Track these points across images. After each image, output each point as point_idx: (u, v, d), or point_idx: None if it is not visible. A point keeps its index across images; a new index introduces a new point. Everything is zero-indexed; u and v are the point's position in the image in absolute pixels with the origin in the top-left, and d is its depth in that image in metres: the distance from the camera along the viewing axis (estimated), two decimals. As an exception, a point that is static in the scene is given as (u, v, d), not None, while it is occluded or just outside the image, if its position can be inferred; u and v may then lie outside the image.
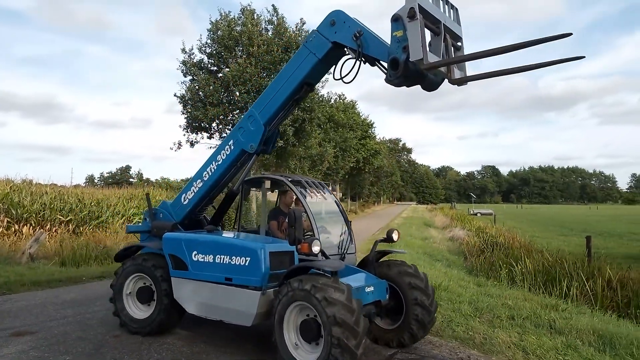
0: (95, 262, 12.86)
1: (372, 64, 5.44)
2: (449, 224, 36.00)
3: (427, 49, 4.75)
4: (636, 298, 9.30)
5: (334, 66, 5.84)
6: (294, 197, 6.83)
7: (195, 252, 5.95)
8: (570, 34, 4.02)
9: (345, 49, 5.53)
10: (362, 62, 5.45)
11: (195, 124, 22.12)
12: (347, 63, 5.60)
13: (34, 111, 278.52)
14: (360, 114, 45.30)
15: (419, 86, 5.23)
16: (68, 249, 13.34)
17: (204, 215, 7.46)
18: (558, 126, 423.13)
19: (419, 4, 4.66)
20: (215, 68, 22.22)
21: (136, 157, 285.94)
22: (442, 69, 5.03)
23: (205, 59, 22.13)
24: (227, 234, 6.48)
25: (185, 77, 21.98)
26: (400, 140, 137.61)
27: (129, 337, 6.24)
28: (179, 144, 23.08)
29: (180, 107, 22.21)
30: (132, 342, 6.07)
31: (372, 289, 5.61)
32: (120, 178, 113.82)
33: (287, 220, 5.79)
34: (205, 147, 28.78)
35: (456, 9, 5.36)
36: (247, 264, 5.41)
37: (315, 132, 26.44)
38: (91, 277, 10.79)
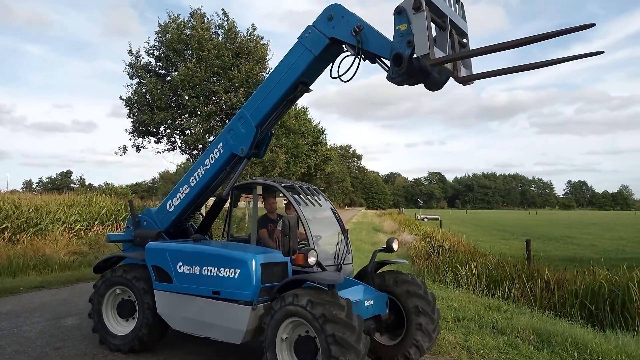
0: (34, 271, 12.22)
1: (373, 61, 5.08)
2: (397, 228, 36.67)
3: (433, 43, 4.37)
4: (571, 298, 9.80)
5: (331, 64, 5.46)
6: (279, 203, 6.47)
7: (180, 264, 5.54)
8: (594, 24, 3.70)
9: (344, 46, 5.21)
10: (362, 58, 5.08)
11: (142, 128, 21.60)
12: (345, 60, 5.21)
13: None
14: (312, 121, 45.54)
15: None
16: (3, 258, 12.59)
17: (191, 223, 7.08)
18: (500, 135, 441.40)
19: None
20: (163, 71, 21.81)
21: (78, 162, 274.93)
22: (448, 66, 4.68)
23: (153, 61, 21.69)
24: (215, 244, 6.11)
25: (132, 79, 21.46)
26: (351, 147, 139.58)
27: (71, 349, 5.98)
28: (125, 148, 22.47)
29: (126, 110, 21.67)
30: (75, 353, 5.82)
31: (371, 302, 5.24)
32: (61, 183, 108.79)
33: (278, 227, 5.48)
34: (152, 152, 28.11)
35: (461, 3, 5.07)
36: (236, 276, 5.02)
37: (266, 137, 26.36)
38: (29, 287, 10.22)
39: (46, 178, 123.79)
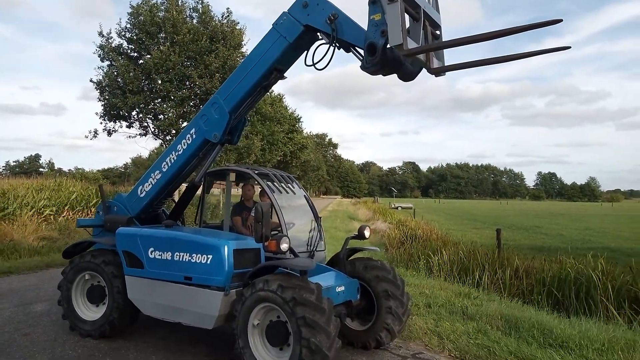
0: (1, 257, 11.89)
1: (347, 50, 5.06)
2: (371, 217, 36.96)
3: (407, 34, 4.39)
4: (539, 285, 10.06)
5: (306, 51, 5.41)
6: (256, 190, 6.48)
7: (151, 249, 5.51)
8: (561, 20, 3.77)
9: (319, 34, 5.16)
10: (336, 47, 5.07)
11: (113, 112, 21.14)
12: (320, 48, 5.17)
13: None
14: (288, 108, 45.33)
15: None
16: (-32, 243, 12.25)
17: (163, 209, 7.00)
18: (473, 126, 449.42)
19: None
20: (135, 54, 21.32)
21: (47, 146, 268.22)
22: (421, 57, 4.71)
23: (125, 44, 21.17)
24: (188, 230, 6.10)
25: (103, 62, 20.94)
26: (327, 136, 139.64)
27: (40, 335, 5.88)
28: (95, 132, 22.03)
29: (97, 93, 21.13)
30: (44, 339, 5.73)
31: (342, 288, 5.33)
32: (29, 167, 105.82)
33: (252, 215, 5.48)
34: (123, 137, 27.59)
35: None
36: (208, 262, 5.03)
37: (241, 124, 26.13)
38: (-4, 273, 9.99)
39: (13, 162, 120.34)
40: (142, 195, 6.38)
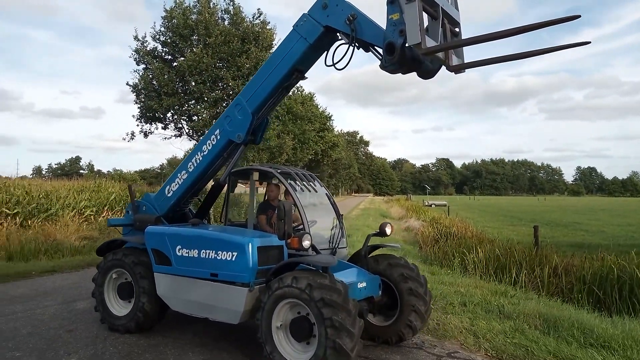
0: (45, 256, 12.39)
1: (367, 50, 5.11)
2: (404, 214, 36.68)
3: (425, 33, 4.43)
4: (579, 284, 9.80)
5: (326, 52, 5.47)
6: (281, 189, 6.65)
7: (179, 247, 5.68)
8: (579, 16, 3.76)
9: (338, 34, 5.21)
10: (355, 47, 5.11)
11: (149, 114, 21.63)
12: (340, 48, 5.23)
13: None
14: (319, 107, 45.44)
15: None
16: (15, 243, 12.78)
17: (189, 208, 7.17)
18: (508, 121, 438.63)
19: None
20: (169, 57, 21.75)
21: (86, 148, 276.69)
22: (440, 55, 4.72)
23: (160, 47, 21.63)
24: (214, 228, 6.26)
25: (138, 65, 21.45)
26: (358, 133, 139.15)
27: (83, 332, 6.09)
28: (132, 134, 22.57)
29: (133, 96, 21.68)
30: (87, 336, 5.93)
31: (364, 284, 5.40)
32: (70, 169, 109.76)
33: (276, 213, 5.59)
34: (159, 138, 28.21)
35: None
36: (234, 259, 5.16)
37: (273, 123, 26.35)
38: (41, 271, 10.39)
39: (55, 164, 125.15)
40: (169, 195, 6.56)
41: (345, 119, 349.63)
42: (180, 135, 23.04)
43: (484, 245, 13.45)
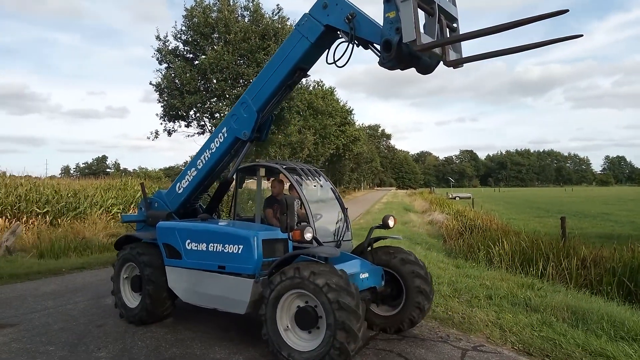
0: (75, 253, 12.71)
1: (366, 47, 5.21)
2: (428, 208, 36.43)
3: (421, 29, 4.57)
4: (608, 275, 9.59)
5: (327, 50, 5.59)
6: (286, 184, 6.86)
7: (188, 241, 5.94)
8: (567, 10, 3.81)
9: (339, 32, 5.32)
10: (355, 45, 5.23)
11: (172, 113, 21.88)
12: (341, 46, 5.36)
13: (5, 101, 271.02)
14: (339, 101, 45.33)
15: (410, 70, 5.02)
16: (46, 241, 13.16)
17: (200, 203, 7.37)
18: (534, 110, 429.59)
19: None
20: (191, 55, 21.94)
21: (113, 147, 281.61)
22: (437, 50, 4.84)
23: (181, 46, 21.83)
24: (221, 222, 6.47)
25: (161, 64, 21.67)
26: (380, 127, 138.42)
27: (112, 327, 6.24)
28: (156, 132, 22.86)
29: (156, 95, 21.94)
30: (116, 331, 6.08)
31: (366, 275, 5.60)
32: (97, 168, 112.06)
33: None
34: (183, 136, 28.61)
35: None
36: (240, 252, 5.38)
37: (294, 119, 26.39)
38: (71, 268, 10.67)
39: (83, 163, 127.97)
40: (180, 192, 6.78)
41: (366, 112, 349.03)
42: (203, 133, 23.25)
43: (509, 238, 13.27)
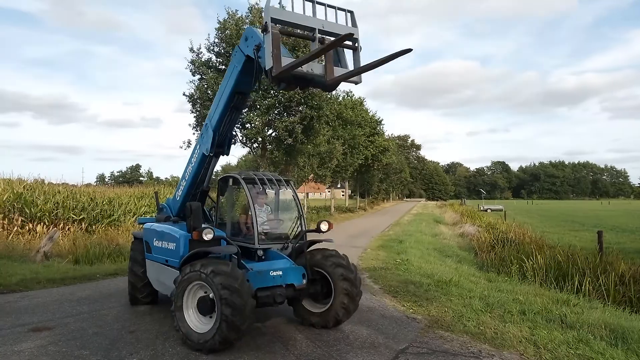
0: (109, 259, 13.02)
1: (266, 74, 5.67)
2: (458, 220, 35.88)
3: (280, 57, 5.26)
4: (649, 293, 9.24)
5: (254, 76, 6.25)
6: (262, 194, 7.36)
7: (154, 239, 7.26)
8: (410, 49, 4.39)
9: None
10: (262, 71, 5.82)
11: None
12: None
13: (45, 111, 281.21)
14: (369, 111, 45.16)
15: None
16: (81, 247, 13.53)
17: (204, 208, 7.89)
18: (569, 121, 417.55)
19: (276, 18, 5.34)
20: (223, 67, 22.29)
21: (146, 156, 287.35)
22: (318, 71, 5.49)
23: (214, 58, 22.21)
24: (170, 224, 7.41)
25: (194, 76, 22.10)
26: (409, 137, 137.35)
27: (144, 332, 6.34)
28: (189, 142, 23.22)
29: (189, 106, 22.36)
30: (148, 337, 6.17)
31: (279, 273, 6.23)
32: (131, 177, 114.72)
33: (249, 213, 6.62)
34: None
35: (351, 12, 5.85)
36: (174, 249, 6.63)
37: (323, 129, 26.43)
38: (105, 274, 10.93)
39: (117, 172, 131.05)
40: (177, 199, 7.83)
41: (396, 122, 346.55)
42: (234, 143, 23.60)
43: (543, 252, 12.96)
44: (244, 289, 5.40)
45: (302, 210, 7.30)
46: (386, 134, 57.46)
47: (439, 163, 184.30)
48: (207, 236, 6.04)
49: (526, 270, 11.85)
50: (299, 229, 6.97)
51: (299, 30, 5.83)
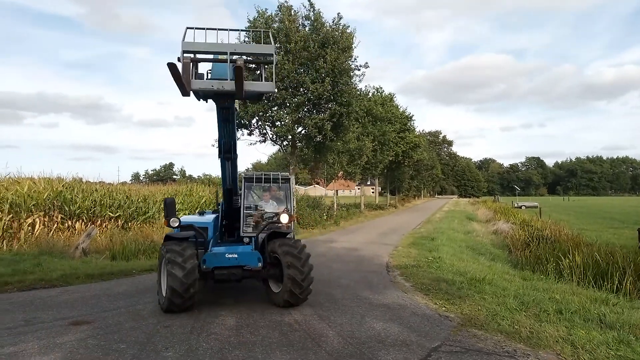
0: (144, 255, 13.33)
1: None
2: (492, 217, 35.25)
3: (189, 81, 6.52)
4: (694, 292, 8.88)
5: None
6: (271, 191, 8.98)
7: None
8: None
9: None
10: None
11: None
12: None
13: (82, 112, 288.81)
14: (399, 107, 44.75)
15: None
16: (118, 244, 13.89)
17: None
18: (607, 115, 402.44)
19: (187, 50, 6.50)
20: (253, 65, 22.45)
21: (179, 155, 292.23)
22: (228, 87, 6.63)
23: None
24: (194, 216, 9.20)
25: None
26: (441, 133, 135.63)
27: (178, 328, 6.47)
28: (220, 140, 23.53)
29: (220, 104, 22.64)
30: (182, 332, 6.30)
31: (234, 255, 7.58)
32: (164, 175, 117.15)
33: (260, 210, 8.56)
34: (245, 144, 29.31)
35: (267, 32, 7.06)
36: None
37: (353, 126, 26.35)
38: (140, 270, 11.20)
39: (151, 170, 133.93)
40: (221, 200, 9.12)
41: (427, 118, 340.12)
42: (264, 141, 23.75)
43: (581, 249, 12.62)
44: (186, 264, 6.87)
45: (291, 204, 8.71)
46: (417, 130, 56.82)
47: (471, 159, 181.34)
48: (173, 224, 7.46)
49: (563, 269, 11.56)
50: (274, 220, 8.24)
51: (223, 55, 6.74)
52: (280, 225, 8.08)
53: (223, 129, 7.94)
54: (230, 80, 6.63)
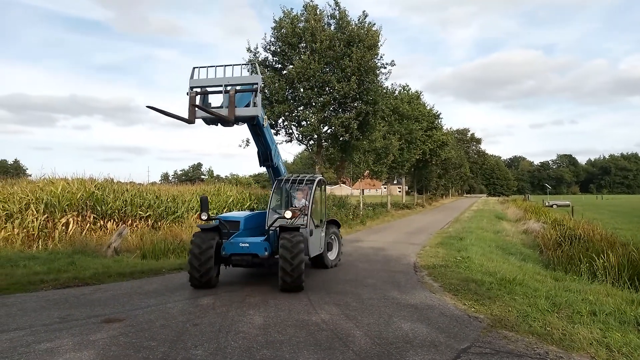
0: (173, 254, 13.54)
1: None
2: (522, 216, 34.54)
3: (194, 111, 8.57)
4: None
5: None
6: (303, 190, 10.53)
7: None
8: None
9: None
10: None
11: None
12: None
13: (113, 114, 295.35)
14: (426, 105, 44.26)
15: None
16: (148, 243, 14.15)
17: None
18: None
19: (192, 85, 8.80)
20: (279, 66, 22.58)
21: (206, 155, 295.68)
22: (225, 113, 8.57)
23: (270, 57, 22.53)
24: (234, 212, 10.80)
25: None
26: (469, 131, 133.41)
27: (207, 326, 6.56)
28: (247, 141, 23.72)
29: (247, 105, 22.81)
30: (211, 330, 6.37)
31: (247, 245, 9.05)
32: (193, 175, 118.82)
33: (295, 205, 10.44)
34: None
35: (255, 64, 8.99)
36: None
37: (379, 124, 26.21)
38: (170, 268, 11.39)
39: (180, 170, 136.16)
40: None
41: (455, 116, 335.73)
42: (290, 140, 23.87)
43: (615, 249, 12.24)
44: (202, 249, 8.68)
45: (309, 203, 10.03)
46: (444, 127, 56.05)
47: (500, 157, 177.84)
48: (203, 217, 9.20)
49: (597, 269, 11.24)
50: (302, 215, 9.84)
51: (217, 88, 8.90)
52: (287, 220, 9.28)
53: (256, 141, 9.59)
54: (226, 107, 8.41)
